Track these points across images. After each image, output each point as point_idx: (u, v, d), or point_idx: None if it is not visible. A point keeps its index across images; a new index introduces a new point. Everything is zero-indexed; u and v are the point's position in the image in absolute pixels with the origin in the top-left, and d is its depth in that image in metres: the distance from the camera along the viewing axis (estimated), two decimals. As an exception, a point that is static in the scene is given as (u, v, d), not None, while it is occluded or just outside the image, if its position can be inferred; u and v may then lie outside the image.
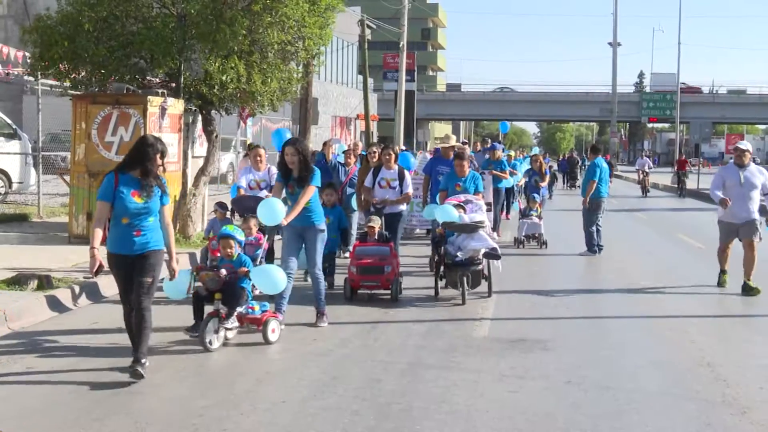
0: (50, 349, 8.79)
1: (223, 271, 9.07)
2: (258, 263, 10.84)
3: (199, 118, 17.87)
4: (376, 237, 12.29)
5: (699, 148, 65.15)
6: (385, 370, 8.21)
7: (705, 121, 52.46)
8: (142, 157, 7.79)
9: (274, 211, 9.40)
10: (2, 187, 21.63)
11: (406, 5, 42.82)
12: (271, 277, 9.20)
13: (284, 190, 9.97)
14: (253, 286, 9.56)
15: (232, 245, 9.35)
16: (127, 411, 6.86)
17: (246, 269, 9.21)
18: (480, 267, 11.96)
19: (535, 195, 19.21)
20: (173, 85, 16.52)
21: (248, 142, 33.66)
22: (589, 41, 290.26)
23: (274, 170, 12.34)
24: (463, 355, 8.89)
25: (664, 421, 6.87)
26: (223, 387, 7.62)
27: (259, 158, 13.15)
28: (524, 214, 18.78)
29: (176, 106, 16.06)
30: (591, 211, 17.27)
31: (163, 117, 15.64)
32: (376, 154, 14.97)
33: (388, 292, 11.83)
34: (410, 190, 13.27)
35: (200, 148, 23.83)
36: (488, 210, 16.04)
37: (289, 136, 14.92)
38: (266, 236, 11.46)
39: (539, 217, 18.63)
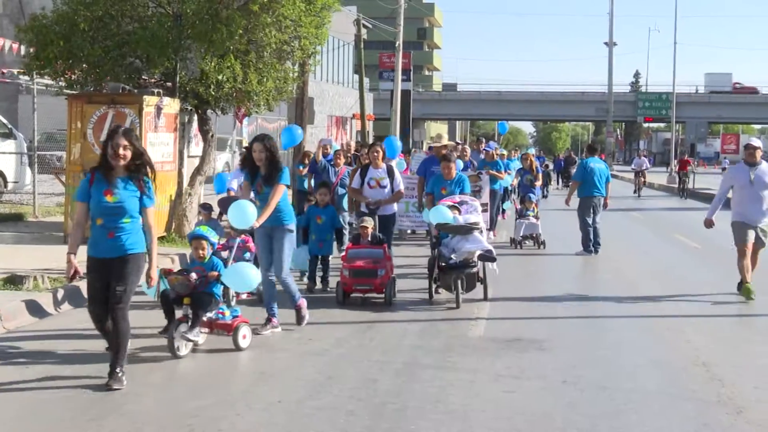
0: (45, 349, 8.76)
1: (194, 275, 8.71)
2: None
3: (195, 117, 17.86)
4: (369, 239, 11.88)
5: (695, 148, 65.17)
6: (381, 370, 8.19)
7: (701, 121, 52.54)
8: (103, 152, 7.52)
9: (245, 213, 9.01)
10: (-2, 186, 21.62)
11: (402, 5, 42.79)
12: (241, 275, 8.77)
13: (252, 190, 9.60)
14: (237, 293, 9.37)
15: (204, 246, 9.04)
16: (122, 411, 6.84)
17: (216, 273, 8.82)
18: (475, 270, 11.63)
19: (531, 195, 18.97)
20: (169, 84, 16.51)
21: (245, 143, 33.48)
22: (585, 41, 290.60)
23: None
24: (459, 354, 8.88)
25: (661, 421, 6.87)
26: (219, 387, 7.60)
27: None
28: (521, 214, 18.43)
29: (172, 105, 16.04)
30: (582, 211, 17.30)
31: (159, 116, 15.62)
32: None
33: (382, 296, 11.55)
34: (402, 186, 12.77)
35: (196, 147, 23.85)
36: (484, 211, 15.96)
37: (300, 133, 14.89)
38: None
39: (536, 217, 18.30)
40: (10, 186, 21.89)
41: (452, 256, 11.49)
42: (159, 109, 15.57)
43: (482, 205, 16.13)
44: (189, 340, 8.52)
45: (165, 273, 8.76)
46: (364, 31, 43.25)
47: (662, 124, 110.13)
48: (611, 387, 7.81)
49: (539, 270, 15.49)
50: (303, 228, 12.42)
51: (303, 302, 9.96)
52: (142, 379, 7.70)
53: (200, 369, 8.26)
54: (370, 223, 11.96)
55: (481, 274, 11.82)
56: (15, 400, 7.11)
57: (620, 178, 57.46)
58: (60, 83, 16.59)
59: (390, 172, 12.58)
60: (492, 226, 18.13)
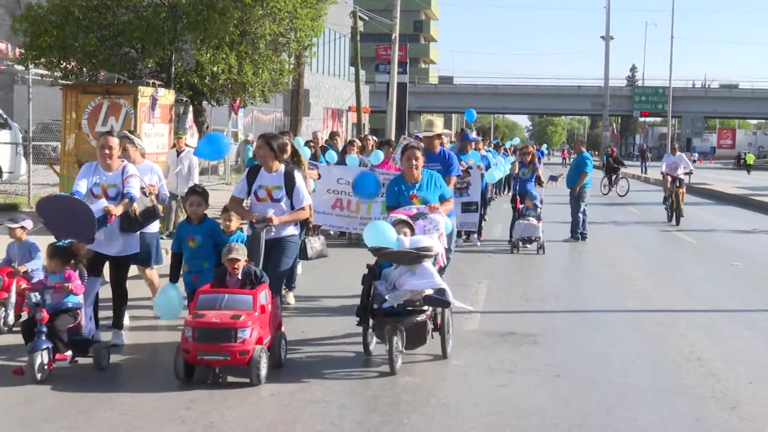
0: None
1: None
2: (73, 319, 7.61)
3: (190, 108, 17.84)
4: (239, 276, 7.92)
5: (691, 143, 65.15)
6: (374, 363, 8.16)
7: (697, 116, 52.46)
8: None
9: None
10: (-7, 176, 21.60)
11: (399, -3, 42.68)
12: None
13: None
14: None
15: None
16: (114, 404, 6.81)
17: None
18: (422, 317, 8.09)
19: (534, 193, 17.24)
20: (164, 75, 16.48)
21: (240, 134, 33.18)
22: (582, 35, 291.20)
23: (132, 169, 8.58)
24: (453, 348, 8.84)
25: (654, 416, 6.86)
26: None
27: (108, 151, 8.44)
28: (521, 214, 16.55)
29: (167, 96, 16.00)
30: (583, 200, 18.29)
31: (154, 107, 15.58)
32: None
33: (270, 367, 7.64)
34: (307, 201, 8.67)
35: (191, 138, 23.80)
36: (475, 211, 15.49)
37: (227, 143, 11.35)
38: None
39: (538, 218, 16.34)
40: (5, 176, 21.89)
41: (387, 296, 8.02)
42: (154, 99, 15.52)
43: (472, 204, 15.21)
44: None
45: None
46: (360, 23, 43.18)
47: (658, 119, 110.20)
48: (604, 382, 7.79)
49: (533, 264, 15.45)
50: (174, 254, 8.83)
51: None
52: (134, 372, 7.67)
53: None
54: (241, 253, 7.94)
55: (438, 322, 8.45)
56: (4, 392, 7.08)
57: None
58: (55, 74, 16.57)
59: (288, 179, 8.50)
60: (479, 230, 16.92)
